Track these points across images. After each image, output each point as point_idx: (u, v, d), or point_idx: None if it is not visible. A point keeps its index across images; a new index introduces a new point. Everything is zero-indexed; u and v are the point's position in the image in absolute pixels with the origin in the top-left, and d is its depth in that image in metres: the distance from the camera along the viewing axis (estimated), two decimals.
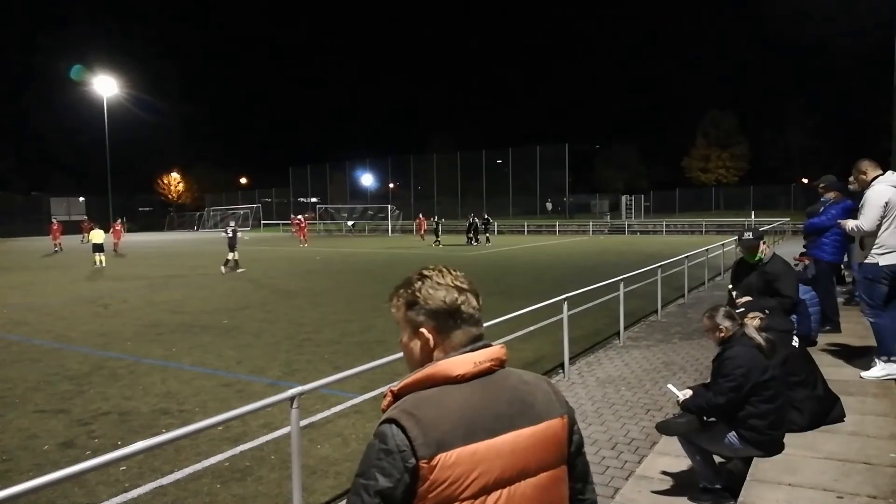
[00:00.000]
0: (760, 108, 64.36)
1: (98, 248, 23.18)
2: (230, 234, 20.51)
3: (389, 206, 50.44)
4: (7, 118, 67.83)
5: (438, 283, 1.46)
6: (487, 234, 34.55)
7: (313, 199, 63.54)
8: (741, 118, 60.27)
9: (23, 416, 6.21)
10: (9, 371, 7.98)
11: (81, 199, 64.96)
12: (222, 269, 19.96)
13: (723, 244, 16.93)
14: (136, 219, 64.15)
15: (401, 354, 4.32)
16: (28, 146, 70.42)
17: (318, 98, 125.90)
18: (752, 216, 42.11)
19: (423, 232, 40.18)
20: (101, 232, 24.00)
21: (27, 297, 15.09)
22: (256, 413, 4.94)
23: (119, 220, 34.30)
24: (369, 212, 55.23)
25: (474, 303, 1.47)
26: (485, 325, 5.04)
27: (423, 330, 1.44)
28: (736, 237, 8.66)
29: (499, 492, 1.33)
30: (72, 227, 45.31)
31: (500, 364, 1.46)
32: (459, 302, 1.44)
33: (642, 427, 5.50)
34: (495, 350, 1.46)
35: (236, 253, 20.35)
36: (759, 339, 3.92)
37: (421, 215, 41.80)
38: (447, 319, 1.43)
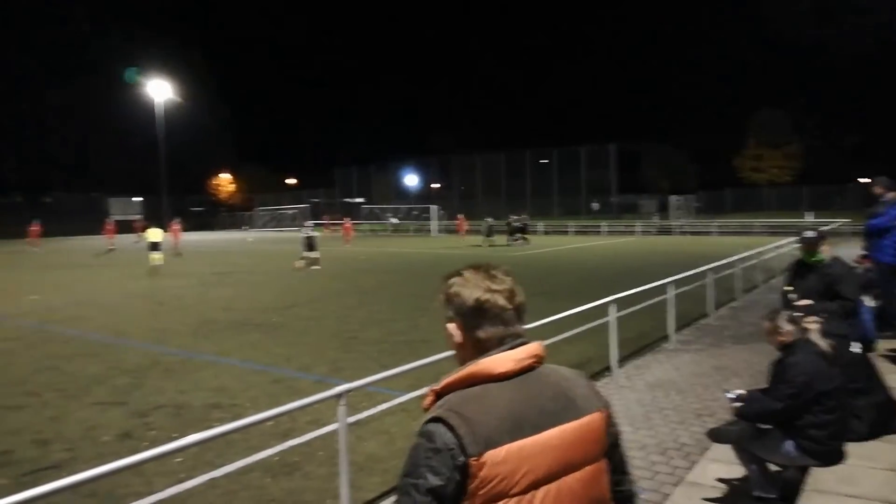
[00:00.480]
0: (815, 105, 62.20)
1: (155, 246, 23.84)
2: (308, 234, 21.91)
3: (433, 206, 50.61)
4: (65, 121, 70.76)
5: (467, 282, 1.50)
6: (525, 236, 33.55)
7: (358, 200, 64.25)
8: (795, 116, 58.34)
9: (84, 408, 6.48)
10: (71, 364, 8.33)
11: (137, 199, 67.26)
12: (297, 264, 20.96)
13: (776, 245, 16.42)
14: (188, 218, 66.00)
15: (446, 354, 4.40)
16: (87, 148, 73.30)
17: (365, 99, 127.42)
18: (807, 216, 40.69)
19: (464, 232, 39.73)
20: (160, 231, 24.68)
21: (88, 294, 15.71)
22: (305, 409, 5.03)
23: (176, 220, 35.25)
24: (413, 212, 55.50)
25: (502, 302, 1.47)
26: (528, 326, 5.01)
27: (452, 325, 1.51)
28: (792, 238, 8.38)
29: (546, 487, 1.35)
30: (125, 227, 46.90)
31: (540, 361, 1.49)
32: (484, 300, 1.46)
33: (693, 432, 5.38)
34: (534, 347, 1.48)
35: (318, 252, 21.52)
36: (823, 345, 3.77)
37: (462, 216, 41.83)
38: (473, 317, 1.46)
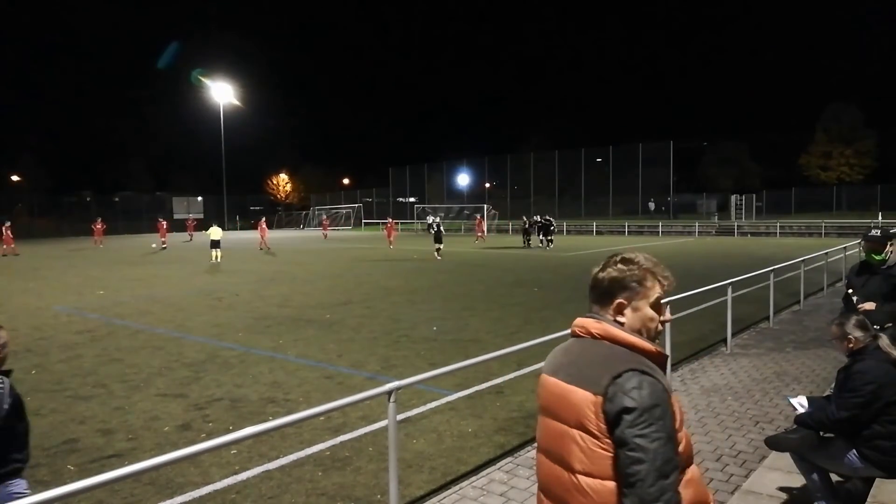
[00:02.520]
0: (889, 99, 59.07)
1: (215, 244, 24.65)
2: (436, 228, 25.16)
3: (485, 205, 50.49)
4: (135, 121, 74.06)
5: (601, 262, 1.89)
6: (550, 238, 31.14)
7: (411, 199, 64.73)
8: (867, 111, 55.52)
9: (146, 399, 6.75)
10: (135, 357, 8.70)
11: (200, 198, 69.66)
12: (437, 256, 24.65)
13: (844, 247, 15.69)
14: (247, 217, 67.95)
15: (495, 354, 4.47)
16: (153, 148, 76.34)
17: (417, 98, 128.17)
18: (880, 217, 38.73)
19: (481, 234, 38.07)
20: (219, 229, 25.50)
21: (151, 289, 16.37)
22: (356, 405, 5.12)
23: (263, 219, 36.25)
24: (465, 211, 55.56)
25: (590, 281, 1.87)
26: None
27: None
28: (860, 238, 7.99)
29: (543, 416, 1.82)
30: (179, 225, 48.54)
31: (586, 332, 1.79)
32: (592, 276, 1.87)
33: (750, 440, 5.20)
34: (582, 320, 1.83)
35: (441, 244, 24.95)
36: (894, 353, 3.58)
37: (479, 216, 40.95)
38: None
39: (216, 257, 24.39)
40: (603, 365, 1.66)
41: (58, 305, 13.58)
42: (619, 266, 1.80)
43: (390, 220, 37.93)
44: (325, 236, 43.94)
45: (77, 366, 8.23)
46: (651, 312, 1.77)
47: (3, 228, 30.44)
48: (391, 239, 33.88)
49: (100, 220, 38.61)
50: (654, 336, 1.79)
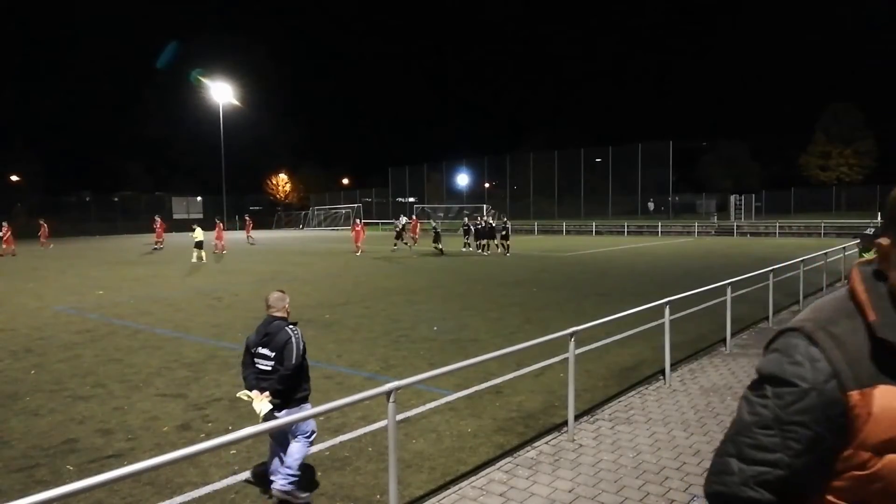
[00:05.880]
0: (889, 99, 59.11)
1: (199, 244, 24.95)
2: (481, 226, 26.05)
3: (485, 205, 50.49)
4: (133, 122, 74.29)
5: None
6: (503, 241, 26.52)
7: (411, 199, 64.71)
8: (867, 112, 55.52)
9: (146, 399, 6.74)
10: (135, 357, 8.69)
11: (199, 198, 69.61)
12: (499, 251, 25.61)
13: (844, 247, 15.70)
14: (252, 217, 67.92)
15: (494, 354, 4.35)
16: (153, 148, 76.37)
17: (418, 98, 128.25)
18: (879, 217, 38.75)
19: (415, 235, 32.17)
20: (201, 231, 25.79)
21: (150, 289, 16.35)
22: (355, 405, 5.12)
23: (220, 220, 35.42)
24: (465, 211, 55.58)
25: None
26: (581, 327, 4.92)
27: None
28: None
29: None
30: (179, 226, 48.35)
31: None
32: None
33: None
34: None
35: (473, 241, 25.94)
36: None
37: (414, 216, 38.74)
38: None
39: (199, 258, 24.58)
40: None
41: (57, 305, 13.57)
42: None
43: (359, 221, 30.45)
44: (249, 238, 38.85)
45: (76, 366, 8.23)
46: None
47: (2, 229, 30.28)
48: (359, 244, 27.62)
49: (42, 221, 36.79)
50: None
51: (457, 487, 4.49)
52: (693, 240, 37.38)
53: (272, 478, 4.36)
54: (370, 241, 34.09)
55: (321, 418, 5.64)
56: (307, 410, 4.17)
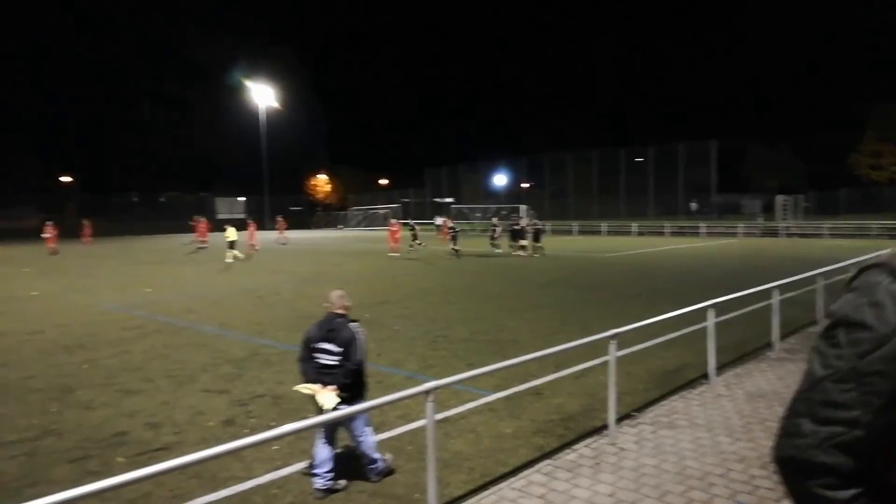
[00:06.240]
0: None
1: (231, 244, 25.49)
2: (518, 227, 26.16)
3: (522, 205, 50.22)
4: (178, 125, 76.26)
5: None
6: (534, 242, 26.13)
7: (448, 200, 64.83)
8: None
9: (191, 394, 6.91)
10: (181, 353, 8.92)
11: (242, 198, 71.06)
12: (528, 253, 25.36)
13: None
14: (287, 217, 69.08)
15: (534, 355, 4.30)
16: (197, 149, 78.15)
17: (456, 98, 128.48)
18: None
19: (445, 235, 32.28)
20: (234, 230, 26.35)
21: (195, 288, 16.77)
22: (394, 404, 5.16)
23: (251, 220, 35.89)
24: (502, 212, 55.40)
25: None
26: (620, 329, 4.84)
27: None
28: None
29: None
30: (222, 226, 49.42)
31: None
32: None
33: None
34: None
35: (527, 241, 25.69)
36: None
37: (445, 217, 37.62)
38: None
39: (232, 257, 25.06)
40: None
41: (107, 303, 14.01)
42: None
43: (394, 221, 29.59)
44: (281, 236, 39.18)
45: (126, 361, 8.49)
46: None
47: (47, 228, 31.28)
48: (395, 244, 27.14)
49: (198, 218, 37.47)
50: None
51: (496, 488, 4.48)
52: (738, 241, 36.51)
53: (315, 472, 4.44)
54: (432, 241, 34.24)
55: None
56: (362, 404, 4.28)
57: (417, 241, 29.63)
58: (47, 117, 70.56)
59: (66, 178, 68.72)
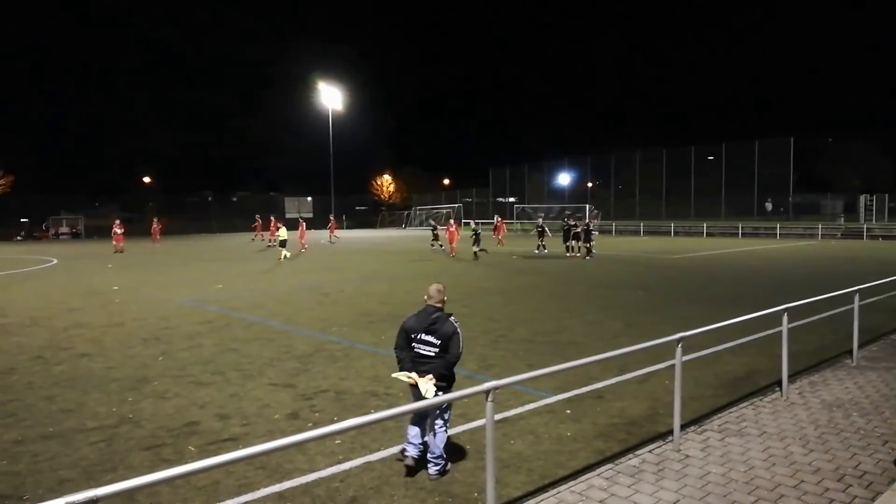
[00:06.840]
0: None
1: (282, 243, 26.22)
2: (590, 228, 26.04)
3: (587, 205, 49.41)
4: (249, 126, 79.07)
5: None
6: (585, 244, 25.55)
7: (511, 199, 64.45)
8: None
9: (259, 388, 7.15)
10: (249, 347, 9.24)
11: (309, 198, 72.86)
12: (580, 254, 25.20)
13: None
14: (352, 217, 70.37)
15: (596, 357, 4.24)
16: (268, 151, 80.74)
17: (520, 97, 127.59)
18: None
19: (501, 237, 35.01)
20: (285, 230, 27.16)
21: (263, 285, 17.32)
22: (454, 403, 5.17)
23: (331, 217, 36.90)
24: (566, 211, 54.65)
25: None
26: (686, 333, 4.71)
27: None
28: None
29: None
30: (291, 224, 50.87)
31: None
32: None
33: (878, 460, 4.78)
34: None
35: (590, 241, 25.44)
36: None
37: (498, 217, 37.38)
38: None
39: (284, 256, 25.71)
40: None
41: (180, 298, 14.66)
42: None
43: (452, 221, 29.96)
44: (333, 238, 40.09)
45: (198, 354, 8.86)
46: None
47: (115, 226, 32.85)
48: (453, 244, 27.38)
49: (263, 217, 39.97)
50: None
51: (555, 491, 4.43)
52: (816, 243, 34.78)
53: (428, 458, 4.74)
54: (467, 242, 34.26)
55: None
56: (449, 395, 4.38)
57: (439, 243, 29.87)
58: (128, 123, 74.51)
59: (146, 179, 72.37)
